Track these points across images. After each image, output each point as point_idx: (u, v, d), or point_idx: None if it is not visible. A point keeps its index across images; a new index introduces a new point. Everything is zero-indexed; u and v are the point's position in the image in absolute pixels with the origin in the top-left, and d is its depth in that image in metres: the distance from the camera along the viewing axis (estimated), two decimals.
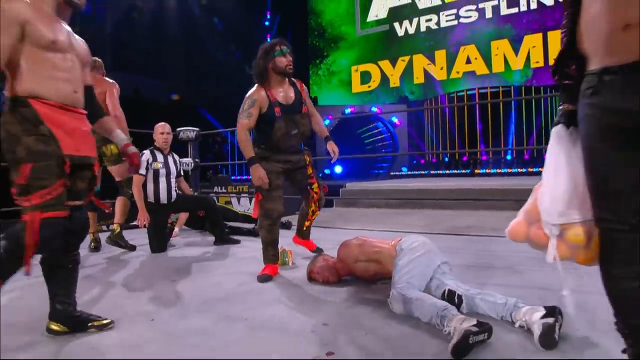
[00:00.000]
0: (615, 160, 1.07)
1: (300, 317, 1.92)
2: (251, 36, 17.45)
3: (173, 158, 3.93)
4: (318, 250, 3.09)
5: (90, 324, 1.79)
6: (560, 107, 1.27)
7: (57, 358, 1.58)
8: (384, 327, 1.74)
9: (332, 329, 1.74)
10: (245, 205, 6.48)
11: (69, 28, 1.75)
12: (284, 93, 2.70)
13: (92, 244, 3.74)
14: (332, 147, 2.90)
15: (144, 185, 3.67)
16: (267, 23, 18.45)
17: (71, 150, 1.63)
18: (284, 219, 3.94)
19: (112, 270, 3.00)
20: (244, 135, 2.61)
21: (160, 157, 3.78)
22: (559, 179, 1.24)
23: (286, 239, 3.04)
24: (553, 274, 2.23)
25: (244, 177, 12.54)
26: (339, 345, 1.58)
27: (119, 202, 3.78)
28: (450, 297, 1.86)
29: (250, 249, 3.56)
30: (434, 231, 4.01)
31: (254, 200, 2.76)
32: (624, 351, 1.16)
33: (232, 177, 11.08)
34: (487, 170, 11.76)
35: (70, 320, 1.76)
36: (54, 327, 1.76)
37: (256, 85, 2.68)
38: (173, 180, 3.81)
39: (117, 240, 3.70)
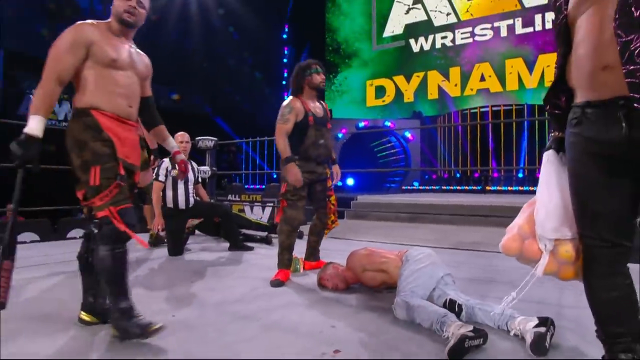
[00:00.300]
0: (596, 184, 1.21)
1: (310, 319, 2.06)
2: (268, 49, 17.80)
3: (191, 166, 4.12)
4: None
5: None
6: (551, 134, 1.41)
7: (91, 343, 1.74)
8: (388, 330, 1.87)
9: (339, 331, 1.88)
10: (258, 214, 6.65)
11: (132, 45, 1.96)
12: (315, 107, 2.96)
13: None
14: (336, 170, 3.22)
15: (164, 192, 3.87)
16: (285, 36, 18.85)
17: (123, 157, 1.82)
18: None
19: (133, 271, 3.17)
20: (283, 138, 2.82)
21: None
22: (552, 198, 1.38)
23: (298, 247, 3.18)
24: (551, 290, 2.34)
25: (257, 187, 12.74)
26: (346, 345, 1.71)
27: (147, 211, 4.09)
28: (451, 306, 1.98)
29: (263, 255, 3.72)
30: (442, 245, 4.11)
31: (280, 206, 2.96)
32: (603, 357, 1.28)
33: (246, 186, 11.29)
34: (499, 188, 11.79)
35: (101, 312, 1.92)
36: (86, 317, 1.92)
37: (291, 97, 2.93)
38: (191, 187, 3.99)
39: (157, 242, 4.20)
